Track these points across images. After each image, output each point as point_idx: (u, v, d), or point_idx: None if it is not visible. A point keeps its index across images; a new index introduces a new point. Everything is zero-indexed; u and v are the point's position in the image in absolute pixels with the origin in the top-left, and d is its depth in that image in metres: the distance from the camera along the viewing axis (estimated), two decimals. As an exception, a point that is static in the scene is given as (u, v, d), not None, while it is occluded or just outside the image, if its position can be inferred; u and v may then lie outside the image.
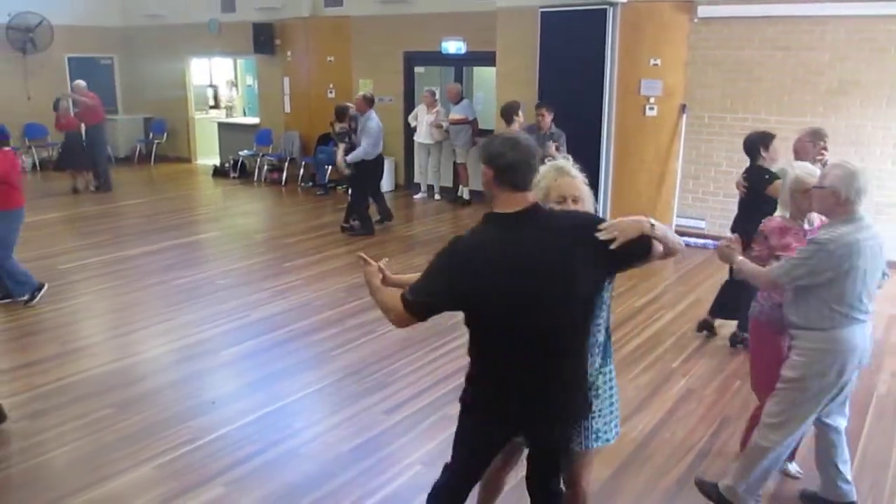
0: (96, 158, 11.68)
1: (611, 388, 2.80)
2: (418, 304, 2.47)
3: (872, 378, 5.07)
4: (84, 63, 14.51)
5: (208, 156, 14.65)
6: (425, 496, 3.66)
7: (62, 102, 11.63)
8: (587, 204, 2.76)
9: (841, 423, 3.52)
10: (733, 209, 5.68)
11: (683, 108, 8.63)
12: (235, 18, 13.12)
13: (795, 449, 3.75)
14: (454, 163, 11.06)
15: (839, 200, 3.13)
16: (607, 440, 2.81)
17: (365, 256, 2.83)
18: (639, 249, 2.43)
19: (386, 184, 11.82)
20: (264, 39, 12.62)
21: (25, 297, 6.27)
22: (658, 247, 2.46)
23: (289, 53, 12.63)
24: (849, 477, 3.56)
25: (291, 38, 12.54)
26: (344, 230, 9.15)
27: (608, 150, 9.03)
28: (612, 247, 2.36)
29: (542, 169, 2.73)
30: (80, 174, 11.70)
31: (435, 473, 3.83)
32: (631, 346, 5.61)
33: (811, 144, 4.92)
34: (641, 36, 8.64)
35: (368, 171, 9.09)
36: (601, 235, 2.38)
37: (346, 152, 8.99)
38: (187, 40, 14.09)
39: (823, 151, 4.98)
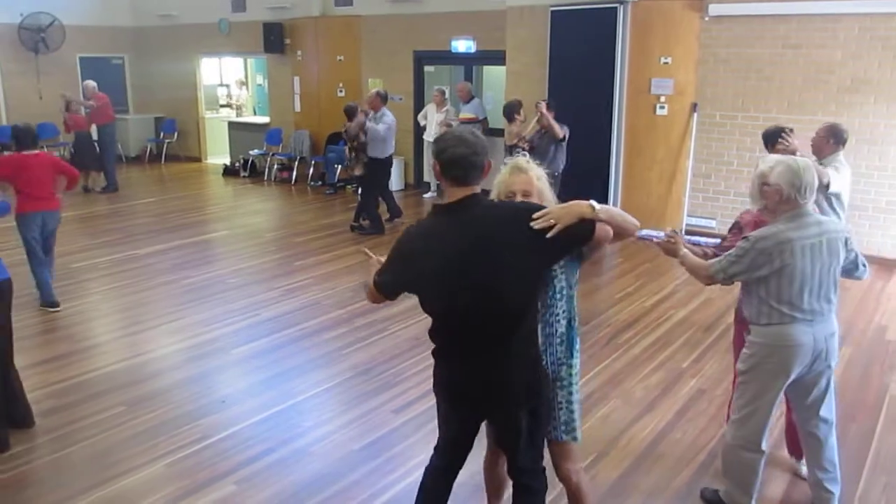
0: (105, 158, 11.72)
1: (573, 382, 2.86)
2: (382, 285, 2.74)
3: (885, 379, 5.04)
4: (95, 63, 14.58)
5: (219, 155, 14.70)
6: (435, 495, 3.68)
7: (72, 104, 11.63)
8: (543, 199, 2.77)
9: (819, 427, 3.40)
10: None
11: (694, 106, 8.59)
12: (246, 18, 13.15)
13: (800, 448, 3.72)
14: (464, 162, 11.02)
15: (781, 198, 3.13)
16: (574, 438, 2.87)
17: (367, 251, 3.08)
18: (580, 234, 2.48)
19: (395, 183, 11.82)
20: (274, 39, 12.65)
21: (40, 302, 6.32)
22: (604, 229, 2.51)
23: (299, 53, 12.66)
24: (829, 486, 3.45)
25: (302, 38, 12.57)
26: (353, 229, 9.17)
27: (618, 149, 9.01)
28: (549, 235, 2.41)
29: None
30: (91, 174, 11.75)
31: (444, 473, 3.84)
32: (641, 346, 5.59)
33: (824, 141, 4.89)
34: (652, 34, 8.62)
35: (379, 170, 9.12)
36: (535, 225, 2.44)
37: (353, 153, 9.03)
38: (198, 40, 14.14)
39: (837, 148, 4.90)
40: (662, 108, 8.71)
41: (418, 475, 3.84)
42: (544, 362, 2.78)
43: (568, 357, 2.83)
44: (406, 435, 4.26)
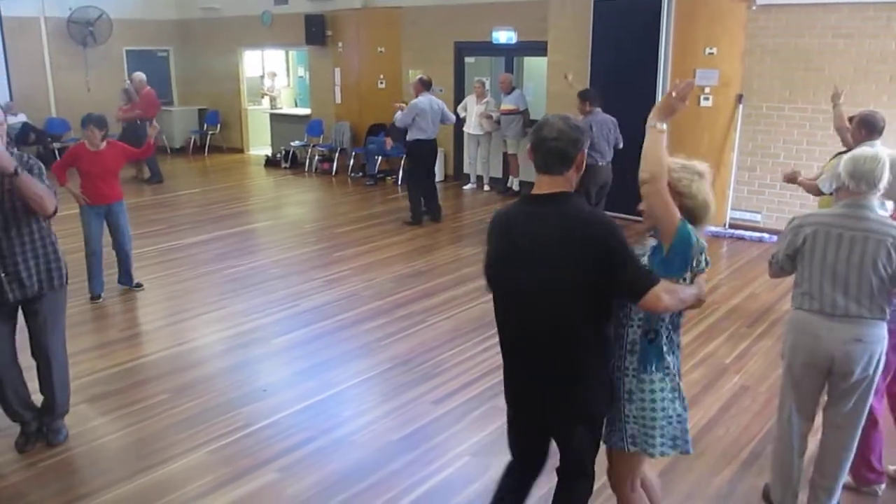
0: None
1: (655, 399, 2.62)
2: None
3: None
4: (141, 55, 14.83)
5: (260, 146, 14.86)
6: (474, 487, 3.69)
7: (126, 94, 11.79)
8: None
9: (830, 433, 3.27)
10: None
11: (740, 98, 8.43)
12: (288, 10, 13.24)
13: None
14: (504, 153, 11.00)
15: (841, 185, 3.11)
16: (646, 451, 2.66)
17: None
18: (632, 294, 2.42)
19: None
20: (316, 31, 12.71)
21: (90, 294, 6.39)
22: (657, 304, 2.40)
23: (340, 44, 12.71)
24: (821, 496, 3.30)
25: (343, 30, 12.62)
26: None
27: (661, 141, 8.87)
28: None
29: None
30: (140, 164, 11.93)
31: (483, 464, 3.85)
32: (683, 341, 5.49)
33: (855, 130, 4.76)
34: (697, 25, 8.46)
35: (418, 155, 9.08)
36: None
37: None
38: (240, 32, 14.29)
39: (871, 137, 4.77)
40: (707, 99, 8.55)
41: (457, 466, 3.87)
42: (612, 371, 2.65)
43: (640, 371, 2.61)
44: (446, 426, 4.26)
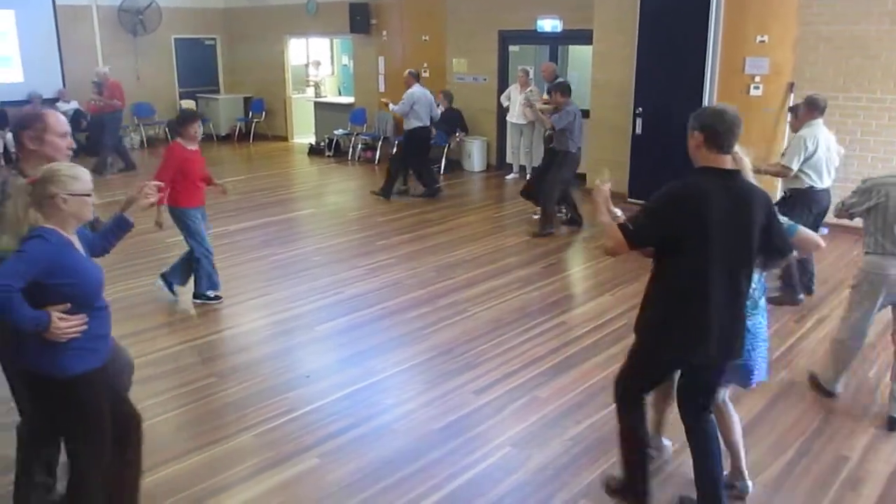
0: (104, 143, 11.61)
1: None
2: (637, 236, 3.03)
3: None
4: (189, 44, 15.07)
5: (304, 135, 14.98)
6: (515, 478, 3.70)
7: (97, 86, 11.63)
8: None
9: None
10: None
11: (791, 87, 8.23)
12: (333, -1, 13.32)
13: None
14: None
15: None
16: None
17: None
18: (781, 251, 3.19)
19: (477, 164, 11.85)
20: (360, 19, 12.76)
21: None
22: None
23: (384, 33, 12.73)
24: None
25: (387, 18, 12.63)
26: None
27: (708, 131, 8.72)
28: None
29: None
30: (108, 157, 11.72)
31: (524, 455, 3.85)
32: (728, 335, 5.43)
33: (805, 110, 5.81)
34: (747, 12, 8.27)
35: (416, 141, 9.84)
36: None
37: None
38: (286, 21, 14.41)
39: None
40: (757, 88, 8.37)
41: (498, 457, 3.87)
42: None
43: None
44: (487, 416, 4.27)
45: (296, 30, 14.54)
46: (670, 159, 7.96)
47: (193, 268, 5.99)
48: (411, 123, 9.79)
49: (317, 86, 15.92)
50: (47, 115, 3.13)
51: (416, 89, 9.76)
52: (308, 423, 4.20)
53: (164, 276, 6.09)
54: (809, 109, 5.76)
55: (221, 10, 15.48)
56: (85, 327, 2.71)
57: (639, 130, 9.25)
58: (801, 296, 6.01)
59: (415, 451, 3.92)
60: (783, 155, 5.94)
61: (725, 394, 3.52)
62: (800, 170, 5.73)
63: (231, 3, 15.38)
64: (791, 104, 6.05)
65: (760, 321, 3.36)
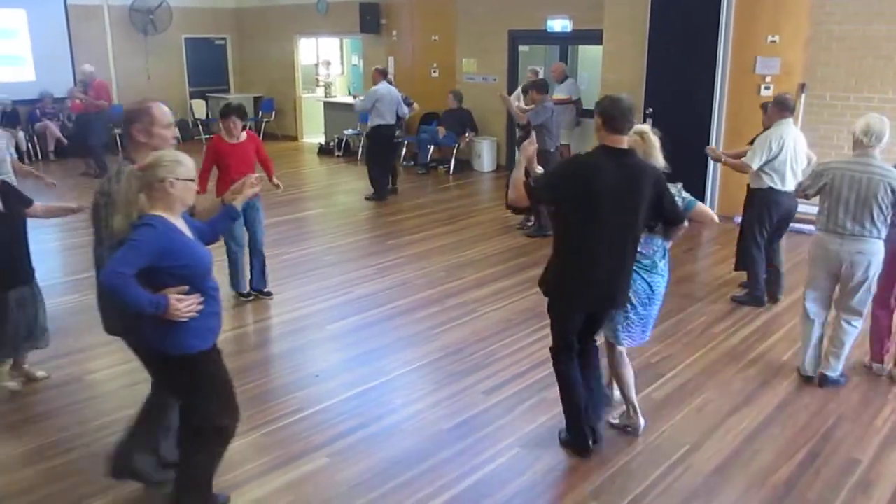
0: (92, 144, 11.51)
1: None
2: (537, 191, 3.58)
3: None
4: (199, 43, 15.11)
5: (314, 134, 15.00)
6: (524, 479, 3.70)
7: (83, 85, 11.57)
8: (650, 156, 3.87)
9: (843, 316, 4.57)
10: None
11: (803, 87, 8.18)
12: (343, -2, 13.33)
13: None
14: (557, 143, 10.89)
15: (855, 140, 4.37)
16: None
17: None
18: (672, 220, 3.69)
19: (487, 164, 11.84)
20: (371, 19, 12.77)
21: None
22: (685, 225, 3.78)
23: (394, 33, 12.74)
24: (831, 359, 4.57)
25: (397, 18, 12.64)
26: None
27: (719, 132, 8.69)
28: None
29: None
30: (87, 159, 11.60)
31: (533, 456, 3.85)
32: (739, 337, 5.42)
33: (774, 110, 5.80)
34: (758, 11, 8.23)
35: (378, 139, 9.76)
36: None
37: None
38: (296, 21, 14.43)
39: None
40: (768, 88, 8.31)
41: (507, 458, 3.87)
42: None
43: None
44: (496, 417, 4.26)
45: (306, 29, 14.56)
46: (680, 159, 7.95)
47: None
48: (374, 121, 9.68)
49: (327, 86, 15.94)
50: (152, 108, 3.27)
51: (381, 87, 9.65)
52: (317, 422, 4.20)
53: (245, 293, 6.11)
54: (779, 109, 5.74)
55: (232, 10, 15.53)
56: (201, 307, 2.90)
57: (649, 131, 9.22)
58: (766, 300, 6.04)
59: (424, 451, 3.92)
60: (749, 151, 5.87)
61: (623, 344, 3.94)
62: (761, 169, 5.68)
63: (241, 3, 15.42)
64: (772, 102, 6.00)
65: (659, 280, 3.88)
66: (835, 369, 4.59)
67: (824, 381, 4.61)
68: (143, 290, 2.72)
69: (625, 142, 3.50)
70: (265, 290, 6.20)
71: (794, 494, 3.57)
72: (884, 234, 4.32)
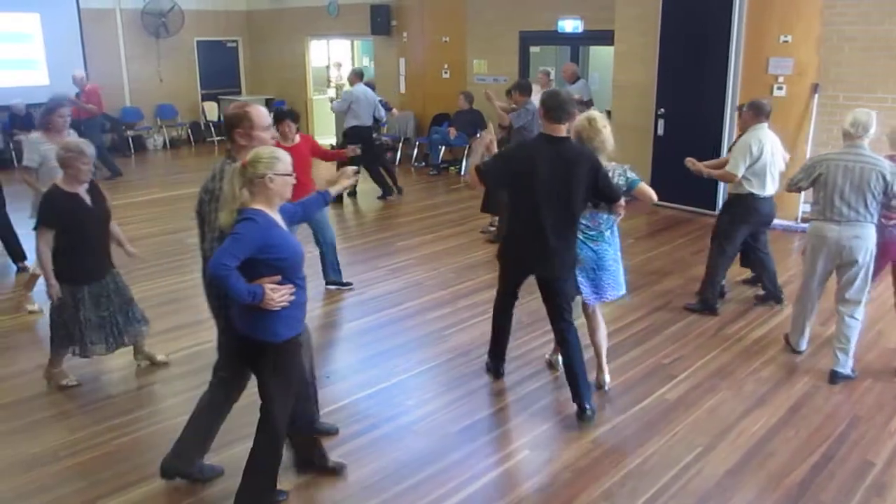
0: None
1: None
2: (485, 173, 4.06)
3: None
4: (211, 46, 15.19)
5: (325, 135, 15.02)
6: (533, 481, 3.69)
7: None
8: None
9: (843, 305, 4.71)
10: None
11: (815, 87, 8.14)
12: (354, 0, 13.35)
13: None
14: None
15: (845, 133, 4.55)
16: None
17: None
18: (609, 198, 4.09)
19: (495, 164, 11.80)
20: (381, 21, 12.80)
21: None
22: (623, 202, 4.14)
23: (405, 34, 12.76)
24: (838, 353, 4.69)
25: (407, 19, 12.66)
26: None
27: (731, 133, 8.63)
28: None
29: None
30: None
31: (543, 458, 3.84)
32: (751, 338, 5.38)
33: (749, 114, 5.70)
34: (771, 11, 8.19)
35: (354, 140, 9.52)
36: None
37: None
38: (307, 22, 14.48)
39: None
40: (780, 88, 8.28)
41: (517, 460, 3.87)
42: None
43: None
44: (506, 419, 4.27)
45: (317, 31, 14.61)
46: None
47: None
48: (349, 122, 9.72)
49: (338, 87, 15.98)
50: (251, 113, 3.39)
51: (357, 88, 9.69)
52: (329, 423, 4.20)
53: (331, 282, 6.47)
54: (755, 114, 5.63)
55: (243, 13, 15.60)
56: (293, 297, 3.06)
57: (661, 132, 9.19)
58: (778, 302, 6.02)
59: (435, 452, 3.92)
60: (728, 160, 5.77)
61: (595, 305, 4.50)
62: (742, 176, 5.61)
63: (253, 6, 15.48)
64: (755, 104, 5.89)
65: (606, 248, 4.39)
66: (844, 365, 4.68)
67: (835, 377, 4.67)
68: (243, 280, 2.90)
69: (563, 130, 3.97)
70: (344, 281, 6.51)
71: (808, 497, 3.55)
72: (876, 219, 4.55)
